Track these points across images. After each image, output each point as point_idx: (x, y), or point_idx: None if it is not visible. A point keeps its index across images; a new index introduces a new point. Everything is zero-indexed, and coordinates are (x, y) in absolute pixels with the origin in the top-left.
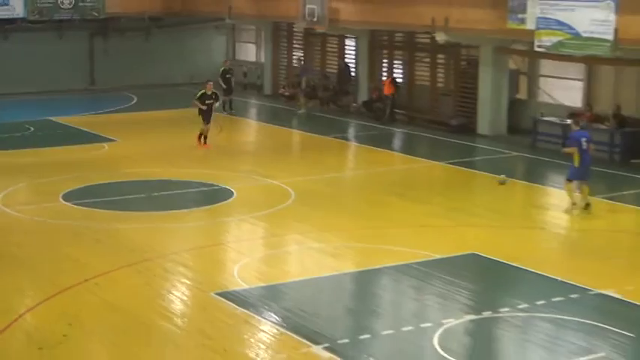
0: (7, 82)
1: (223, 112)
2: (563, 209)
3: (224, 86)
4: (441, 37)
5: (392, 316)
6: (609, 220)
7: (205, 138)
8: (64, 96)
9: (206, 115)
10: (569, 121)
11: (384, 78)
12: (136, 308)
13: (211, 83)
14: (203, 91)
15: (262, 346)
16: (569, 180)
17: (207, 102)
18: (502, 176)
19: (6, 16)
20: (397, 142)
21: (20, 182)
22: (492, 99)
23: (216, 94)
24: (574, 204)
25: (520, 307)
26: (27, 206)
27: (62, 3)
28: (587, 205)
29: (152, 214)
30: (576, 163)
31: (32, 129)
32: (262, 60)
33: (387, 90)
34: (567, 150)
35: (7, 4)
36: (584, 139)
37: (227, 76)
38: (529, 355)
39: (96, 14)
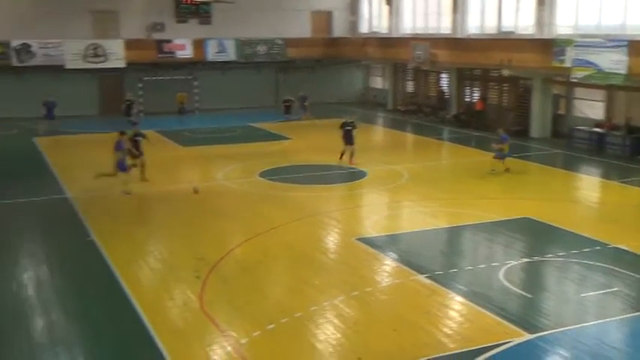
0: (224, 101)
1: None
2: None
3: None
4: (506, 72)
5: (471, 257)
6: (622, 197)
7: (342, 155)
8: (259, 110)
9: (345, 139)
10: (594, 129)
11: (476, 98)
12: (304, 247)
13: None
14: (344, 120)
15: (385, 274)
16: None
17: (346, 128)
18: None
19: (224, 59)
20: (475, 142)
21: (233, 165)
22: (541, 113)
23: (352, 122)
24: (493, 170)
25: (559, 254)
26: (237, 180)
27: (259, 51)
28: (507, 169)
29: (314, 186)
30: (506, 150)
31: (238, 131)
32: (386, 87)
33: (479, 106)
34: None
35: (225, 52)
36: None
37: (347, 128)
38: (565, 287)
39: (280, 58)
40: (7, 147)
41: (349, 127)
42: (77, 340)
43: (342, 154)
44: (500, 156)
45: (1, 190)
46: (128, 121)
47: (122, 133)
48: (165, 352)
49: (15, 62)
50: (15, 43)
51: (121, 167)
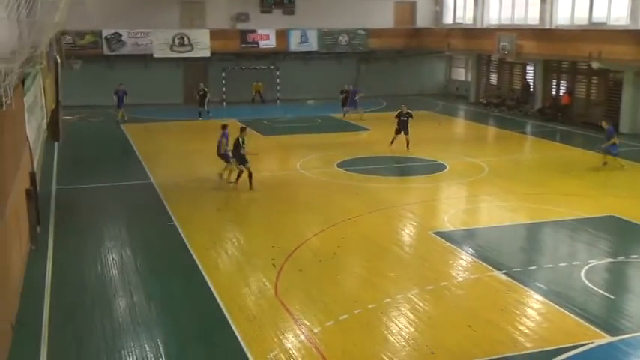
0: (305, 91)
1: None
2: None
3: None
4: (595, 65)
5: (551, 255)
6: None
7: (392, 141)
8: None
9: (400, 127)
10: None
11: (563, 91)
12: (379, 238)
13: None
14: (399, 110)
15: (462, 268)
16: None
17: (402, 118)
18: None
19: (306, 50)
20: (560, 136)
21: (311, 154)
22: (632, 108)
23: (409, 112)
24: (605, 163)
25: None
26: (314, 169)
27: (341, 41)
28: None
29: (392, 178)
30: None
31: (320, 121)
32: (469, 79)
33: (565, 100)
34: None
35: (307, 42)
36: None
37: (402, 118)
38: None
39: (362, 49)
40: (96, 133)
41: (405, 118)
42: (157, 322)
43: (392, 140)
44: (613, 150)
45: (91, 174)
46: (200, 111)
47: (224, 127)
48: (240, 337)
49: (106, 51)
50: (106, 32)
51: (226, 157)
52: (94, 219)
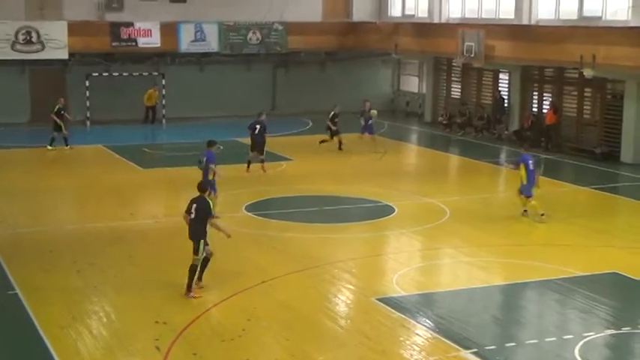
0: (201, 107)
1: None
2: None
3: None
4: (588, 73)
5: (536, 327)
6: None
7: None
8: (249, 120)
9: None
10: None
11: (546, 108)
12: (305, 308)
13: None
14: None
15: (416, 348)
16: (526, 197)
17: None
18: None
19: (202, 50)
20: (544, 167)
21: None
22: (636, 130)
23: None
24: (525, 211)
25: None
26: (215, 214)
27: (250, 39)
28: (542, 215)
29: (322, 226)
30: (524, 181)
31: (222, 147)
32: (424, 91)
33: (550, 119)
34: (515, 168)
35: (204, 40)
36: (531, 162)
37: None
38: None
39: (279, 49)
40: None
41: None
42: None
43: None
44: (524, 191)
45: None
46: (54, 137)
47: (211, 144)
48: None
49: None
50: None
51: (212, 187)
52: None
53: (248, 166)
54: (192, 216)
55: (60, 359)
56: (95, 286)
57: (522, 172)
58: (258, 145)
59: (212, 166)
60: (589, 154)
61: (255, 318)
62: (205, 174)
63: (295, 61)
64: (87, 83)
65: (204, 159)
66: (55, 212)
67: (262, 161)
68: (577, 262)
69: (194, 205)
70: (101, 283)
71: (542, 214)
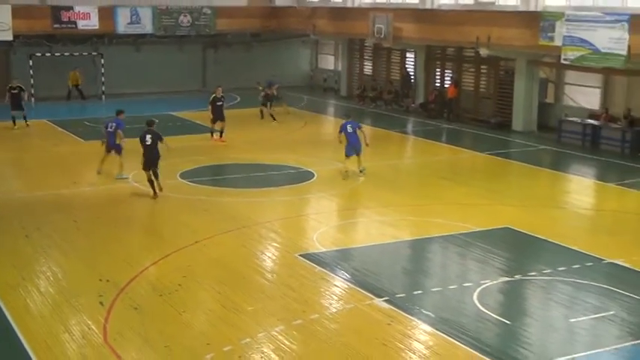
0: (138, 84)
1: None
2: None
3: (211, 116)
4: (484, 52)
5: (440, 276)
6: (620, 202)
7: (212, 133)
8: (182, 95)
9: (215, 114)
10: (588, 121)
11: (448, 83)
12: (235, 265)
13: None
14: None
15: (335, 297)
16: (347, 156)
17: (217, 103)
18: None
19: (138, 32)
20: (446, 136)
21: None
22: (525, 102)
23: (223, 96)
24: (346, 171)
25: (545, 271)
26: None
27: (182, 22)
28: (361, 171)
29: (249, 191)
30: (345, 143)
31: (157, 121)
32: (339, 68)
33: (451, 93)
34: (338, 137)
35: (139, 23)
36: (349, 126)
37: (218, 104)
38: (551, 312)
39: (208, 31)
40: None
41: (220, 103)
42: None
43: (212, 133)
44: (348, 151)
45: None
46: (14, 115)
47: (119, 113)
48: None
49: None
50: None
51: (118, 149)
52: None
53: (212, 135)
54: (148, 143)
55: (11, 315)
56: (43, 249)
57: (343, 137)
58: (220, 116)
59: (119, 131)
60: (485, 123)
61: (190, 274)
62: (112, 135)
63: (223, 42)
64: (30, 63)
65: (114, 125)
66: (3, 182)
67: (222, 132)
68: (475, 218)
69: (148, 135)
70: (48, 247)
71: (362, 170)
